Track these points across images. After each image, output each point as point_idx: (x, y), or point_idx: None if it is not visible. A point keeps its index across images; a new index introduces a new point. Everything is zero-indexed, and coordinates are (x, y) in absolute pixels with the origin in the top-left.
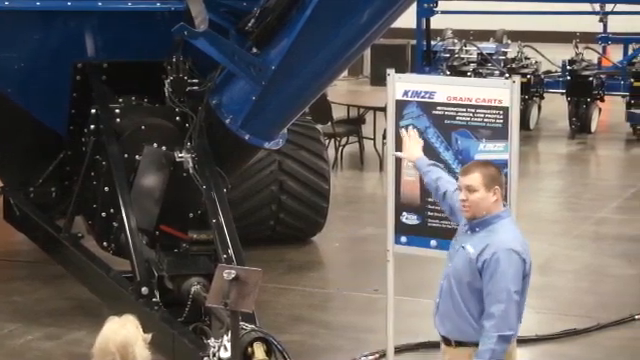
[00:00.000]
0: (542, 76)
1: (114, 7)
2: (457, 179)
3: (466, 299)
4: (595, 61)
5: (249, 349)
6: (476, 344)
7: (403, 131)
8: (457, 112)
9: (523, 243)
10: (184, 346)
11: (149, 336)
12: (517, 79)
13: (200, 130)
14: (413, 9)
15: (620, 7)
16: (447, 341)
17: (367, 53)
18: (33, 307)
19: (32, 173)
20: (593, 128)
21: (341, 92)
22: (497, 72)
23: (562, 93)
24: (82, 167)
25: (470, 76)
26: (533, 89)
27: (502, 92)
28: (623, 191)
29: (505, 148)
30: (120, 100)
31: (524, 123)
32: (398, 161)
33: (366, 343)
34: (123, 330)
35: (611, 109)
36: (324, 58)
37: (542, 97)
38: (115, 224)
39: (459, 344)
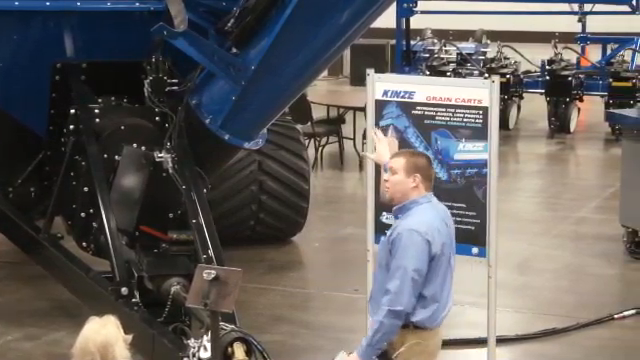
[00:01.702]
0: (521, 76)
1: (93, 7)
2: (436, 178)
3: (391, 279)
4: (574, 61)
5: (229, 349)
6: (405, 325)
7: (373, 133)
8: (436, 112)
9: (430, 225)
10: (164, 346)
11: (130, 337)
12: (496, 79)
13: (180, 130)
14: (393, 9)
15: (599, 7)
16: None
17: (347, 53)
18: (12, 307)
19: (11, 173)
20: (572, 128)
21: (321, 92)
22: (476, 72)
23: (541, 93)
24: (61, 167)
25: (449, 76)
26: (512, 89)
27: (481, 92)
28: (602, 191)
29: (484, 148)
30: (99, 100)
31: (503, 123)
32: None
33: (346, 343)
34: (103, 330)
35: (590, 109)
36: (304, 58)
37: (521, 97)
38: (95, 224)
39: None
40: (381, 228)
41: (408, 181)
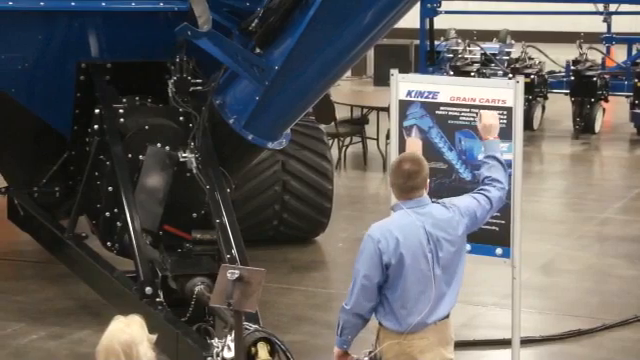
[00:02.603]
0: (546, 76)
1: (118, 7)
2: (460, 179)
3: None
4: (599, 61)
5: (252, 349)
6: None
7: None
8: (460, 112)
9: (388, 232)
10: (187, 346)
11: (154, 337)
12: (521, 79)
13: (204, 130)
14: (416, 9)
15: (624, 7)
16: None
17: (370, 53)
18: (37, 307)
19: (36, 173)
20: (597, 128)
21: (344, 92)
22: (501, 72)
23: (566, 93)
24: (86, 167)
25: (473, 76)
26: (537, 89)
27: (506, 92)
28: (627, 191)
29: (509, 148)
30: (124, 100)
31: (528, 123)
32: None
33: (369, 342)
34: (128, 329)
35: (615, 109)
36: (327, 58)
37: (546, 97)
38: (119, 224)
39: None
40: None
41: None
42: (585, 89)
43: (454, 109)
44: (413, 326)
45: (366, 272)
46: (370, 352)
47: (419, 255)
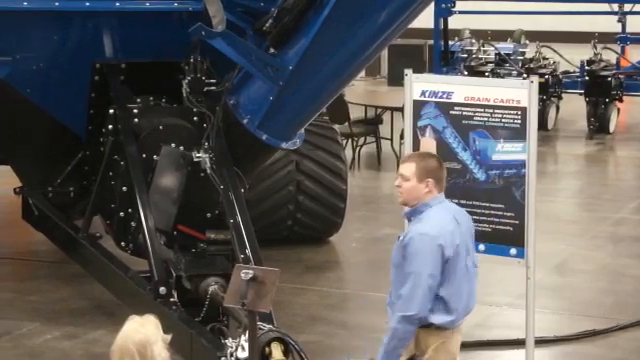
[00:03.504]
0: (560, 76)
1: (132, 7)
2: (474, 179)
3: (403, 284)
4: (614, 61)
5: (266, 349)
6: (425, 325)
7: None
8: (475, 112)
9: (442, 228)
10: (202, 346)
11: (169, 337)
12: (535, 79)
13: (218, 130)
14: (431, 9)
15: (639, 7)
16: None
17: (384, 53)
18: (52, 306)
19: (50, 173)
20: (612, 128)
21: (358, 92)
22: (515, 72)
23: (580, 93)
24: (100, 167)
25: (488, 76)
26: (551, 89)
27: (520, 92)
28: None
29: (523, 148)
30: (138, 100)
31: (542, 123)
32: None
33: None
34: (143, 329)
35: (630, 109)
36: (341, 58)
37: (560, 97)
38: (133, 224)
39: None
40: None
41: (420, 186)
42: (600, 89)
43: (468, 109)
44: (461, 319)
45: (431, 271)
46: (417, 356)
47: (462, 247)
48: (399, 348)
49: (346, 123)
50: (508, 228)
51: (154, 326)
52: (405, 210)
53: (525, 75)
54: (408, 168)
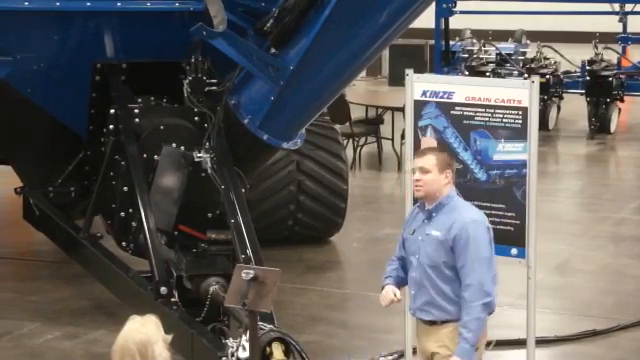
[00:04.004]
0: (561, 76)
1: (133, 7)
2: (475, 179)
3: (448, 281)
4: (615, 61)
5: (267, 349)
6: (459, 319)
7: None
8: (476, 112)
9: (481, 212)
10: (202, 346)
11: (170, 337)
12: (536, 79)
13: (219, 130)
14: (432, 9)
15: None
16: (432, 322)
17: (385, 53)
18: (52, 306)
19: (51, 173)
20: (612, 128)
21: (359, 92)
22: (516, 72)
23: (581, 93)
24: (101, 167)
25: (489, 76)
26: (552, 89)
27: (521, 92)
28: None
29: (524, 148)
30: (139, 100)
31: (543, 123)
32: None
33: (384, 343)
34: (144, 329)
35: (631, 109)
36: (342, 58)
37: (561, 97)
38: (134, 224)
39: (445, 322)
40: None
41: (441, 177)
42: (601, 89)
43: (469, 109)
44: None
45: (489, 254)
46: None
47: None
48: (480, 339)
49: (347, 123)
50: (509, 228)
51: (155, 326)
52: (427, 207)
53: (526, 75)
54: (428, 161)
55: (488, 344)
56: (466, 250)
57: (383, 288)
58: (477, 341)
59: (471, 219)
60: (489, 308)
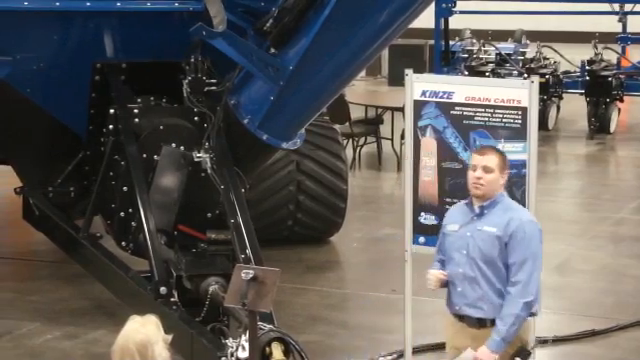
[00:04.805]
0: (561, 76)
1: (133, 7)
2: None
3: (501, 277)
4: (614, 61)
5: (267, 349)
6: None
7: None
8: (475, 112)
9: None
10: (202, 346)
11: (170, 337)
12: (536, 79)
13: (218, 130)
14: (431, 9)
15: None
16: (482, 322)
17: (385, 53)
18: (52, 306)
19: (51, 173)
20: (612, 128)
21: (359, 92)
22: (515, 72)
23: (581, 93)
24: (101, 167)
25: (488, 76)
26: (552, 89)
27: (521, 92)
28: None
29: (524, 148)
30: (139, 100)
31: (543, 123)
32: (416, 161)
33: (384, 343)
34: (144, 329)
35: (630, 109)
36: (342, 58)
37: (561, 97)
38: (133, 224)
39: (495, 322)
40: (419, 229)
41: (500, 178)
42: (600, 89)
43: (469, 109)
44: None
45: (539, 255)
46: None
47: None
48: (515, 334)
49: (347, 123)
50: None
51: (155, 326)
52: (477, 204)
53: (526, 75)
54: (492, 160)
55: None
56: (519, 248)
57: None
58: (511, 336)
59: (528, 219)
60: (530, 308)
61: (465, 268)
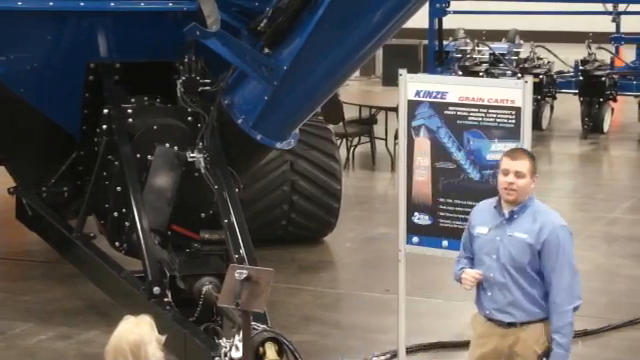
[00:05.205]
0: (554, 76)
1: (126, 7)
2: (468, 179)
3: (532, 283)
4: (608, 61)
5: (260, 349)
6: (541, 319)
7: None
8: (469, 112)
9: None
10: (196, 346)
11: (163, 337)
12: (529, 79)
13: (212, 130)
14: (425, 9)
15: (633, 7)
16: (512, 324)
17: (379, 53)
18: (45, 307)
19: (45, 173)
20: (606, 128)
21: (353, 92)
22: (509, 72)
23: (575, 93)
24: (94, 167)
25: (482, 76)
26: (545, 89)
27: (514, 92)
28: (635, 191)
29: None
30: (132, 100)
31: (536, 123)
32: (410, 161)
33: (377, 343)
34: (137, 329)
35: (624, 109)
36: (336, 58)
37: (554, 97)
38: (127, 224)
39: (524, 323)
40: (413, 229)
41: (531, 183)
42: (594, 89)
43: (463, 109)
44: None
45: (574, 258)
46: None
47: None
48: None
49: (340, 123)
50: None
51: (149, 326)
52: (507, 208)
53: (519, 75)
54: (524, 165)
55: None
56: (556, 254)
57: (460, 279)
58: (570, 344)
59: (560, 224)
60: (572, 315)
61: (495, 273)
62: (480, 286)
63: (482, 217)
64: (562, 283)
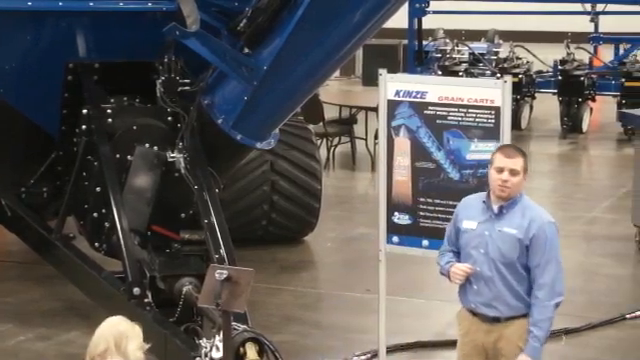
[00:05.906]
0: (534, 76)
1: (105, 7)
2: (448, 179)
3: (519, 278)
4: (586, 61)
5: (241, 349)
6: (525, 315)
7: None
8: (449, 112)
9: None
10: (176, 346)
11: (147, 345)
12: (508, 79)
13: (192, 130)
14: (405, 9)
15: (611, 7)
16: (496, 319)
17: (359, 53)
18: (25, 308)
19: (24, 173)
20: (584, 128)
21: (333, 92)
22: (489, 72)
23: (554, 93)
24: (74, 167)
25: (462, 76)
26: (525, 89)
27: (494, 92)
28: (614, 191)
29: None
30: (112, 100)
31: (516, 123)
32: (390, 161)
33: (358, 343)
34: (124, 324)
35: (602, 109)
36: (316, 58)
37: (534, 97)
38: (107, 224)
39: (509, 319)
40: (393, 228)
41: (523, 180)
42: (572, 89)
43: (442, 109)
44: None
45: (559, 254)
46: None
47: None
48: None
49: (320, 123)
50: None
51: (135, 328)
52: (497, 204)
53: (499, 75)
54: (518, 163)
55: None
56: (543, 250)
57: (448, 272)
58: (545, 339)
59: (548, 220)
60: (558, 307)
61: (483, 267)
62: (466, 280)
63: (470, 211)
64: (546, 278)
